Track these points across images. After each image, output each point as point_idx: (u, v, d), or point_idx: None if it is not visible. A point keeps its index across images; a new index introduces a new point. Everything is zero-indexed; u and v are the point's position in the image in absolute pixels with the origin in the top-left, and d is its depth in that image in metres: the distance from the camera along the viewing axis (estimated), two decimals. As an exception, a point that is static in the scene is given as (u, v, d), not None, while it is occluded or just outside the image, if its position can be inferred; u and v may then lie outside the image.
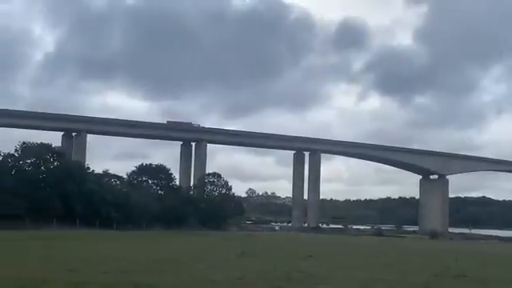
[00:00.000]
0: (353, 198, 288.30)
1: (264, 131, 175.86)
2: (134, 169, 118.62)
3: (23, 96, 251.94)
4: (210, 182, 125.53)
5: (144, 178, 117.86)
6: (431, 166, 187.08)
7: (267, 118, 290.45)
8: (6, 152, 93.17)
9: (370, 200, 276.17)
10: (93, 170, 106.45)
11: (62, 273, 24.11)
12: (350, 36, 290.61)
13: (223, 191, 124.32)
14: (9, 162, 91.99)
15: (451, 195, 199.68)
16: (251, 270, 28.08)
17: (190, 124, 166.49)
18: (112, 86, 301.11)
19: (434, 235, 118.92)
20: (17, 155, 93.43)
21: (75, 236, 62.78)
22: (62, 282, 21.19)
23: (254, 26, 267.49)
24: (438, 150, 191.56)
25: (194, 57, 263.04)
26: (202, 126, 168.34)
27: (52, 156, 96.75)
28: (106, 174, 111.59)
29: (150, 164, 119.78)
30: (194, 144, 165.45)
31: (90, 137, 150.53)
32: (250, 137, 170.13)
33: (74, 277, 22.69)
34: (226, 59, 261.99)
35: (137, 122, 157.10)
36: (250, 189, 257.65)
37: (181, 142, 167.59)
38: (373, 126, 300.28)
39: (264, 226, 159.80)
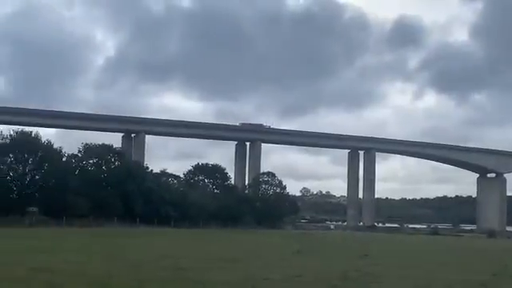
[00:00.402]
0: (409, 196, 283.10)
1: (319, 131, 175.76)
2: (191, 168, 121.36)
3: (86, 99, 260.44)
4: (264, 181, 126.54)
5: (200, 178, 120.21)
6: (489, 165, 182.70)
7: (322, 118, 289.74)
8: (70, 153, 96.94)
9: (427, 199, 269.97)
10: (151, 170, 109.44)
11: (125, 269, 25.10)
12: (405, 34, 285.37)
13: (277, 190, 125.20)
14: (73, 163, 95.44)
15: (509, 193, 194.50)
16: (308, 268, 28.49)
17: (261, 125, 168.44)
18: (169, 88, 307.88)
19: (491, 234, 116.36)
20: (80, 156, 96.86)
21: (135, 234, 64.77)
22: (125, 277, 22.17)
23: (308, 26, 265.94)
24: (495, 149, 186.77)
25: (249, 58, 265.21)
26: (272, 127, 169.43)
27: (113, 156, 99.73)
28: (163, 173, 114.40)
29: (206, 164, 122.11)
30: (248, 144, 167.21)
31: (148, 137, 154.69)
32: (304, 136, 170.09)
33: (136, 273, 23.59)
34: (280, 60, 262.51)
35: (193, 122, 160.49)
36: (305, 188, 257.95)
37: (235, 142, 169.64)
38: (428, 124, 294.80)
39: (319, 224, 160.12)
